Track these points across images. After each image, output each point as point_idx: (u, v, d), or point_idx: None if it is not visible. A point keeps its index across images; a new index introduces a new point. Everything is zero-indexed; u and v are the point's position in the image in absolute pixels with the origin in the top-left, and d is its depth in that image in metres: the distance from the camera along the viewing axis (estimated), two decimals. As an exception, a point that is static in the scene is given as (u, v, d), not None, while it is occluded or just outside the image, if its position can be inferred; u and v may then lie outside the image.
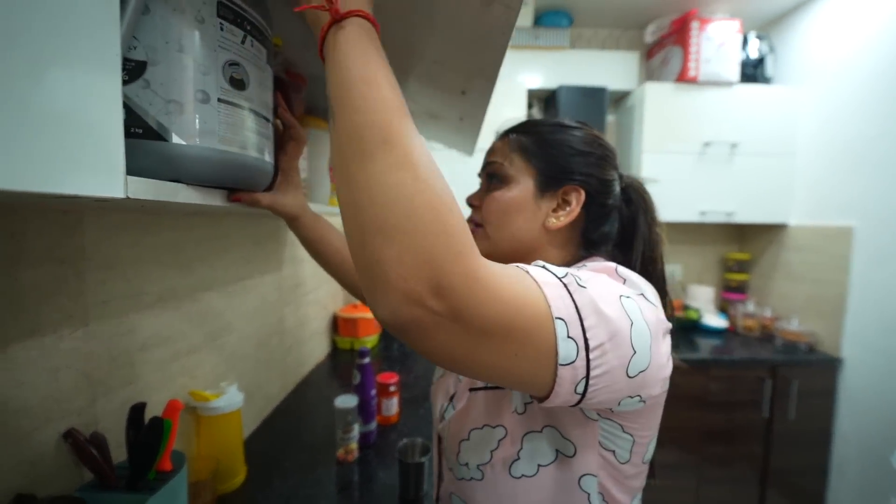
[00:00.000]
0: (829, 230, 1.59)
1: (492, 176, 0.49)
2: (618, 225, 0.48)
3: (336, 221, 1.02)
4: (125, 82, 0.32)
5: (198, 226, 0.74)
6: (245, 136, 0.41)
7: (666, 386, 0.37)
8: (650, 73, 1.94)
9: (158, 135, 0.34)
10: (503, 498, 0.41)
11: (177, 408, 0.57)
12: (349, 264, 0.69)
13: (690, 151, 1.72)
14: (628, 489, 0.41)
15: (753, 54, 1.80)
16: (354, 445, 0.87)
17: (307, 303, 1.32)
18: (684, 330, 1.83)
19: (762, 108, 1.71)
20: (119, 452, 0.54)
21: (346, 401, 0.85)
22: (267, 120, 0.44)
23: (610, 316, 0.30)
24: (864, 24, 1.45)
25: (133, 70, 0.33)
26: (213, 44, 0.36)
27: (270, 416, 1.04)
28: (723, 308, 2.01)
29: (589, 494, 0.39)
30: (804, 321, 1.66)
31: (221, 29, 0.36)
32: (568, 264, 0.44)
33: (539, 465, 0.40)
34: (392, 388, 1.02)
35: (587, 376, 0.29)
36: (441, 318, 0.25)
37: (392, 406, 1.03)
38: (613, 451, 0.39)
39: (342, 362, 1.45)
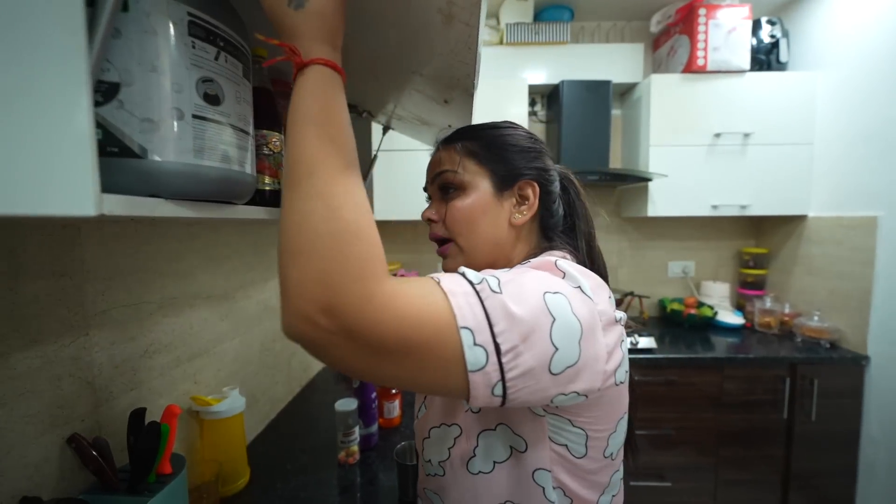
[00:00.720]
0: (851, 221, 1.52)
1: (446, 186, 0.49)
2: (561, 211, 0.51)
3: None
4: (99, 104, 0.34)
5: (198, 235, 0.76)
6: (221, 149, 0.42)
7: (616, 379, 0.37)
8: (657, 64, 1.89)
9: (134, 153, 0.35)
10: (465, 493, 0.43)
11: (174, 413, 0.59)
12: None
13: (700, 143, 1.67)
14: (592, 484, 0.41)
15: (766, 40, 1.74)
16: (355, 448, 0.88)
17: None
18: (698, 328, 1.78)
19: (776, 96, 1.65)
20: (122, 456, 0.56)
21: (346, 404, 0.87)
22: (245, 132, 0.45)
23: (523, 317, 0.31)
24: (887, 1, 1.38)
25: (107, 91, 0.34)
26: (186, 62, 0.37)
27: (276, 419, 1.06)
28: (739, 305, 1.94)
29: (543, 488, 0.40)
30: (826, 317, 1.59)
31: (193, 47, 0.38)
32: (533, 256, 0.46)
33: (495, 462, 0.41)
34: (393, 391, 1.03)
35: (503, 379, 0.30)
36: (333, 336, 0.27)
37: (394, 409, 1.04)
38: (566, 446, 0.39)
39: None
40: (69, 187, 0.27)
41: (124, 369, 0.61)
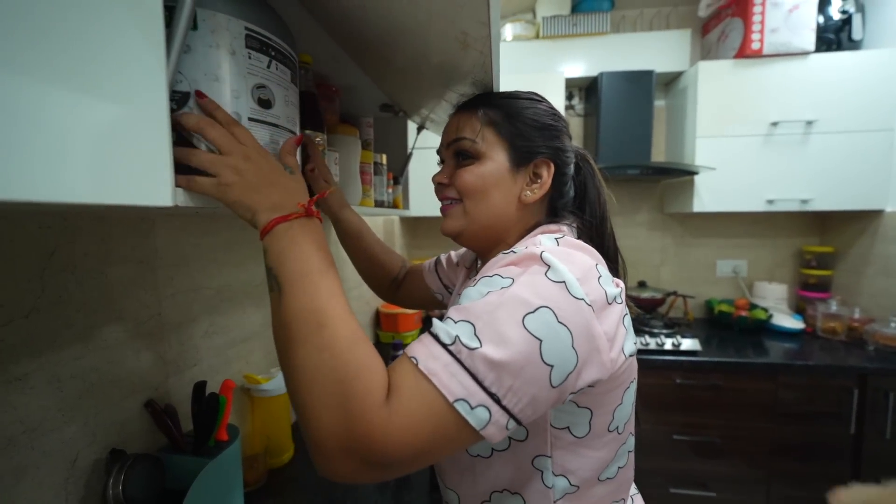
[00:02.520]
0: (937, 216, 1.35)
1: (462, 153, 0.49)
2: (573, 192, 0.52)
3: (368, 222, 1.07)
4: (174, 110, 0.39)
5: (250, 227, 0.83)
6: (273, 148, 0.46)
7: (625, 355, 0.37)
8: (706, 50, 1.78)
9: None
10: (464, 473, 0.44)
11: (230, 386, 0.65)
12: (377, 267, 0.74)
13: (754, 133, 1.56)
14: (594, 461, 0.41)
15: (835, 16, 1.58)
16: (390, 432, 0.93)
17: (351, 298, 1.41)
18: (749, 332, 1.66)
19: (848, 78, 1.49)
20: (187, 423, 0.63)
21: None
22: (293, 133, 0.50)
23: (510, 359, 0.31)
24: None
25: (180, 100, 0.39)
26: (243, 71, 0.42)
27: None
28: (799, 308, 1.79)
29: (542, 472, 0.40)
30: (905, 323, 1.42)
31: (249, 57, 0.42)
32: (531, 230, 0.48)
33: (493, 450, 0.41)
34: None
35: (511, 416, 0.31)
36: (361, 469, 0.30)
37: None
38: (568, 428, 0.39)
39: (385, 355, 1.53)
40: (151, 182, 0.32)
41: (188, 346, 0.69)
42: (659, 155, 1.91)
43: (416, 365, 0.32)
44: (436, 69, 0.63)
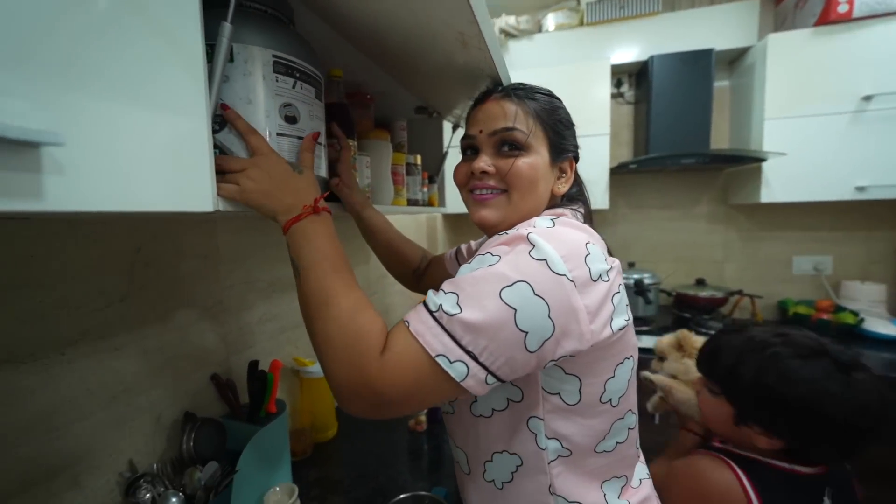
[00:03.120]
0: None
1: (512, 143, 0.49)
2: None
3: (395, 220, 1.12)
4: (216, 131, 0.46)
5: (296, 228, 0.94)
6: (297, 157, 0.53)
7: (612, 329, 0.39)
8: (780, 20, 1.58)
9: (240, 165, 0.47)
10: (468, 432, 0.48)
11: (277, 366, 0.75)
12: (398, 258, 0.79)
13: (839, 111, 1.35)
14: (588, 430, 0.43)
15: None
16: (423, 418, 0.98)
17: (392, 292, 1.49)
18: (833, 338, 1.45)
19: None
20: (244, 395, 0.74)
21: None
22: (318, 143, 0.56)
23: (485, 322, 0.35)
24: None
25: (221, 121, 0.47)
26: (271, 93, 0.48)
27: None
28: (902, 312, 1.52)
29: (536, 435, 0.43)
30: None
31: (276, 80, 0.49)
32: (542, 210, 0.52)
33: (493, 410, 0.44)
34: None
35: (489, 371, 0.36)
36: (369, 407, 0.37)
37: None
38: (559, 394, 0.42)
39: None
40: (197, 191, 0.39)
41: (245, 331, 0.80)
42: (722, 141, 1.74)
43: (408, 327, 0.38)
44: (457, 70, 0.67)
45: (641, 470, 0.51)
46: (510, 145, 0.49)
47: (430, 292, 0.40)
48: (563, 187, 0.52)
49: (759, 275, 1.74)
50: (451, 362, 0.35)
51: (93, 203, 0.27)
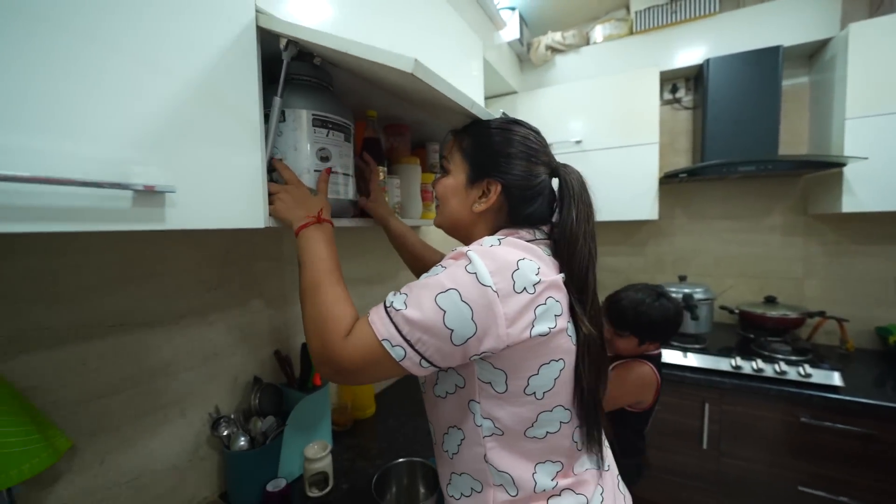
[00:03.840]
0: None
1: (442, 168, 0.65)
2: (547, 207, 0.59)
3: (424, 231, 1.25)
4: (272, 171, 0.64)
5: (345, 235, 1.13)
6: (334, 187, 0.69)
7: (531, 333, 0.46)
8: (875, 6, 1.39)
9: (289, 194, 0.65)
10: (432, 408, 0.58)
11: (322, 348, 0.93)
12: (418, 261, 0.90)
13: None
14: (516, 416, 0.50)
15: None
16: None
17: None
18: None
19: None
20: (298, 369, 0.94)
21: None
22: (346, 174, 0.72)
23: (421, 319, 0.45)
24: None
25: (271, 167, 0.65)
26: (311, 140, 0.66)
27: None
28: None
29: (474, 415, 0.51)
30: None
31: (314, 132, 0.66)
32: (495, 231, 0.59)
33: (447, 393, 0.54)
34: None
35: (423, 357, 0.46)
36: (334, 374, 0.49)
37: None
38: (490, 383, 0.50)
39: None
40: (254, 213, 0.57)
41: (298, 321, 1.00)
42: (799, 144, 1.56)
43: (368, 317, 0.49)
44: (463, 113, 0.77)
45: (587, 462, 0.55)
46: (441, 168, 0.65)
47: (391, 293, 0.50)
48: (482, 205, 0.58)
49: (849, 295, 1.51)
50: (392, 346, 0.46)
51: (192, 223, 0.45)
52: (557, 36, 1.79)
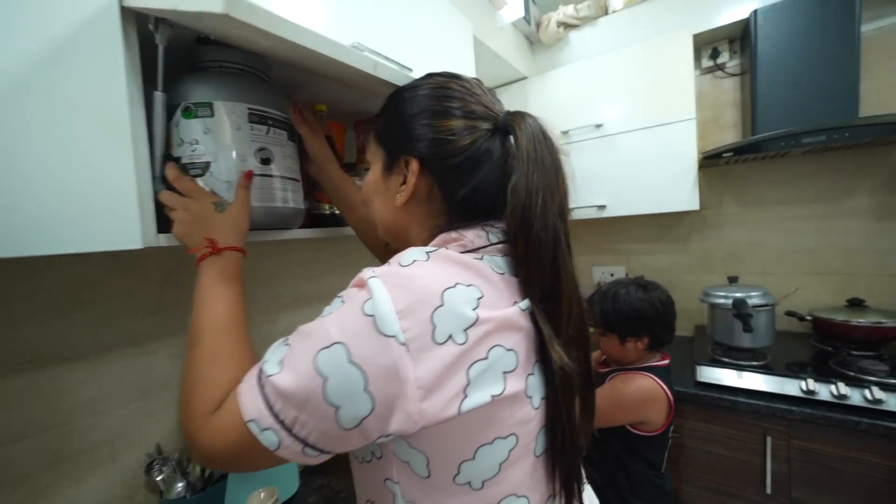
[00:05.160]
0: None
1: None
2: (492, 180, 0.43)
3: None
4: (200, 175, 0.56)
5: (323, 248, 1.05)
6: (275, 194, 0.60)
7: (461, 409, 0.33)
8: None
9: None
10: (354, 473, 0.45)
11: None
12: (365, 222, 0.73)
13: None
14: None
15: None
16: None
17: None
18: None
19: None
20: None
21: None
22: (292, 179, 0.63)
23: (293, 390, 0.32)
24: None
25: (204, 167, 0.57)
26: (248, 139, 0.57)
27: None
28: None
29: (394, 496, 0.38)
30: None
31: (252, 129, 0.57)
32: (427, 241, 0.44)
33: (363, 459, 0.41)
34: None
35: (306, 444, 0.33)
36: (204, 461, 0.38)
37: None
38: (408, 463, 0.37)
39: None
40: (130, 232, 0.48)
41: (267, 343, 0.92)
42: (891, 102, 1.26)
43: (238, 387, 0.36)
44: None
45: None
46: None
47: (280, 340, 0.37)
48: (402, 196, 0.44)
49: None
50: (261, 430, 0.33)
51: (37, 248, 0.38)
52: (570, 9, 1.62)
